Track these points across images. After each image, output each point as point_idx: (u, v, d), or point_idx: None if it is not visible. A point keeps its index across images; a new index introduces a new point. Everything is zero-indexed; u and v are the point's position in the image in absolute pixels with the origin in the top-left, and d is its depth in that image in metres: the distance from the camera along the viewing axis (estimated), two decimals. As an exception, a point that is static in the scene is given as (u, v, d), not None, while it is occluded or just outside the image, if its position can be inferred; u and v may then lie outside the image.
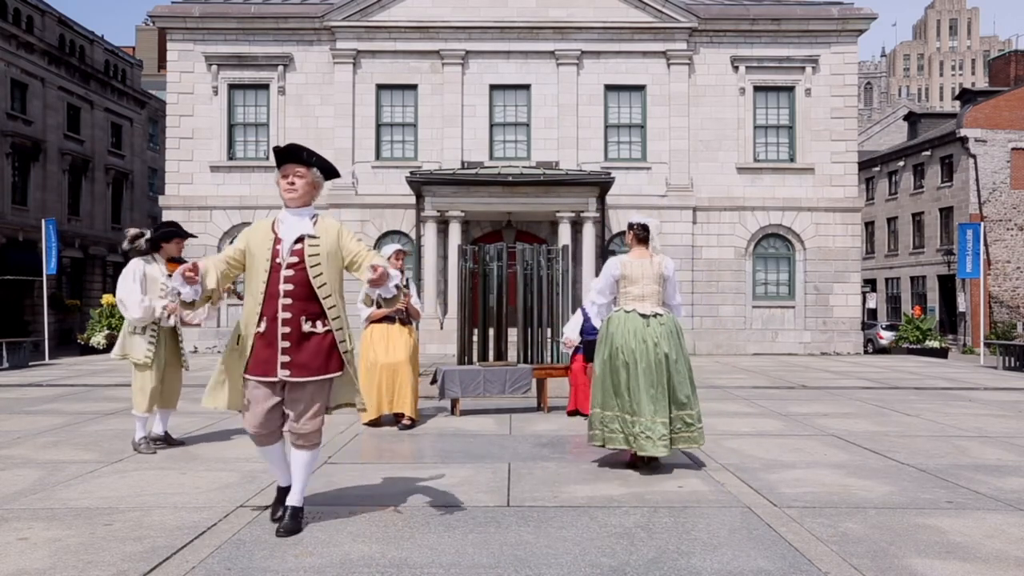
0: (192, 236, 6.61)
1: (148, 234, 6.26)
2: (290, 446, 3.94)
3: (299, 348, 3.77)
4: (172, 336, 6.32)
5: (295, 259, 3.80)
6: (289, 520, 3.88)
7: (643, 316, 5.45)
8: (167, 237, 6.25)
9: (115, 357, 6.20)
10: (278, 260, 3.80)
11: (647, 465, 5.50)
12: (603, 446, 5.53)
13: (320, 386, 3.86)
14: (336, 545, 3.73)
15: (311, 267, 3.80)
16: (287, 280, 3.78)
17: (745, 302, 22.36)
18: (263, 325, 3.79)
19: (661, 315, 5.47)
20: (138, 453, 6.03)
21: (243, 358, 3.85)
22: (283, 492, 4.09)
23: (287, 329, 3.76)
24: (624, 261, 5.60)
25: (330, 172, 4.01)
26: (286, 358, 3.75)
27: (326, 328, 3.83)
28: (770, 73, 22.58)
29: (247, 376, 3.84)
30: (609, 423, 5.46)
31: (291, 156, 3.87)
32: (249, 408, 3.85)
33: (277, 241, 3.83)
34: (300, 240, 3.82)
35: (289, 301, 3.77)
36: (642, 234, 5.66)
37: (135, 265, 6.14)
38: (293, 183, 3.86)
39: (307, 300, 3.80)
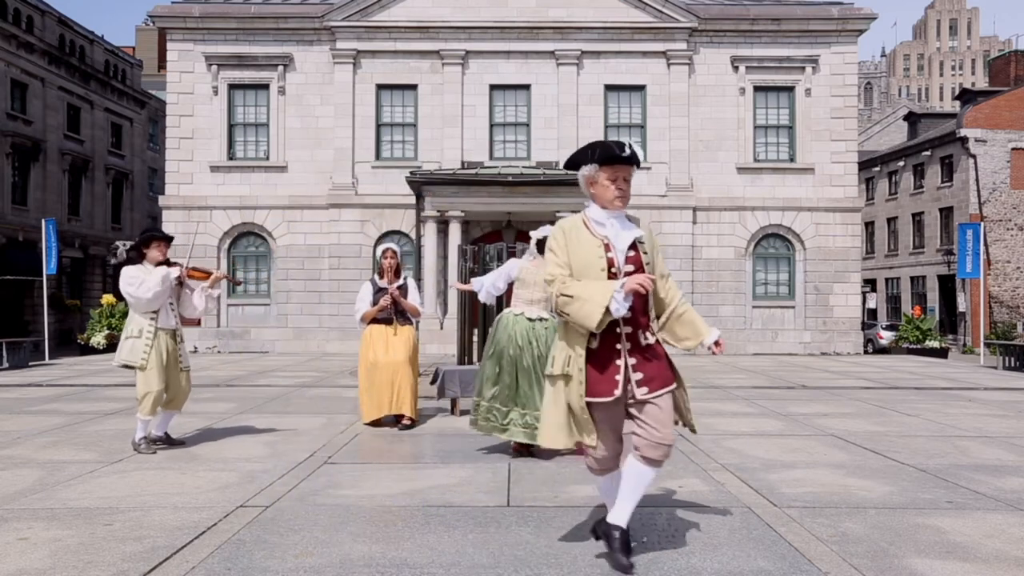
0: (168, 239, 6.40)
1: (128, 246, 6.24)
2: (632, 460, 3.44)
3: (646, 361, 3.40)
4: (173, 338, 6.28)
5: (631, 267, 3.37)
6: (624, 548, 3.40)
7: (529, 320, 5.99)
8: (146, 242, 6.21)
9: (116, 364, 6.14)
10: (614, 269, 3.36)
11: (531, 454, 5.93)
12: (487, 434, 6.04)
13: (671, 397, 3.46)
14: (336, 545, 3.73)
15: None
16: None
17: (745, 302, 22.38)
18: (595, 342, 3.39)
19: (546, 319, 6.00)
20: (138, 453, 6.03)
21: (578, 382, 3.39)
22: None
23: (629, 345, 3.39)
24: (523, 266, 6.15)
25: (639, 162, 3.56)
26: (639, 375, 3.37)
27: (655, 338, 3.47)
28: (770, 73, 22.59)
29: (591, 399, 3.39)
30: (488, 412, 5.95)
31: (634, 159, 3.44)
32: (597, 434, 3.44)
33: (608, 248, 3.39)
34: (633, 246, 3.43)
35: (629, 314, 3.33)
36: (543, 245, 6.15)
37: (131, 270, 6.11)
38: (624, 189, 3.45)
39: (641, 311, 3.42)
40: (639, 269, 3.39)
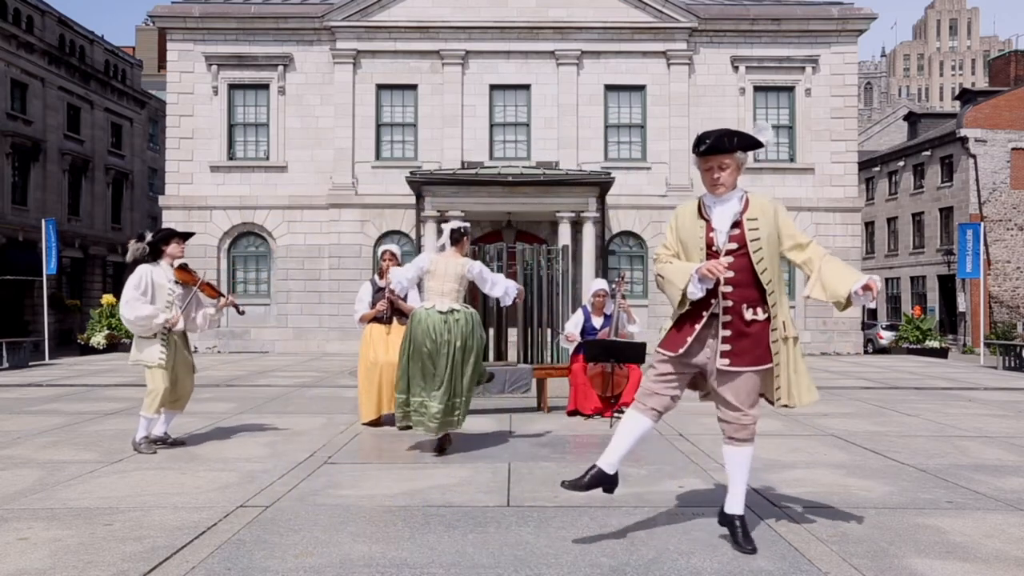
0: (190, 234, 6.61)
1: (148, 238, 6.28)
2: (726, 448, 3.71)
3: (740, 337, 3.58)
4: (183, 339, 6.34)
5: (734, 245, 3.59)
6: (746, 536, 3.63)
7: (441, 312, 5.94)
8: (165, 240, 6.27)
9: (131, 362, 6.21)
10: (714, 248, 3.61)
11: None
12: (410, 428, 6.07)
13: (758, 376, 3.62)
14: (336, 545, 3.73)
15: (754, 252, 3.57)
16: (727, 267, 3.55)
17: (745, 302, 22.38)
18: (686, 307, 3.65)
19: (458, 311, 5.98)
20: (138, 453, 6.03)
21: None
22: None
23: (728, 318, 3.58)
24: (433, 258, 6.16)
25: (753, 144, 3.70)
26: (726, 347, 3.57)
27: (766, 315, 3.60)
28: (770, 73, 22.59)
29: (661, 350, 3.72)
30: (420, 407, 5.92)
31: (714, 149, 3.61)
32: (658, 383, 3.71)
33: (709, 228, 3.64)
34: (737, 224, 3.61)
35: (730, 289, 3.57)
36: (456, 236, 6.17)
37: (142, 271, 6.13)
38: (718, 177, 3.65)
39: (749, 286, 3.58)
40: (743, 246, 3.59)
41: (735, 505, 3.71)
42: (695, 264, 3.56)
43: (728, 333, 3.58)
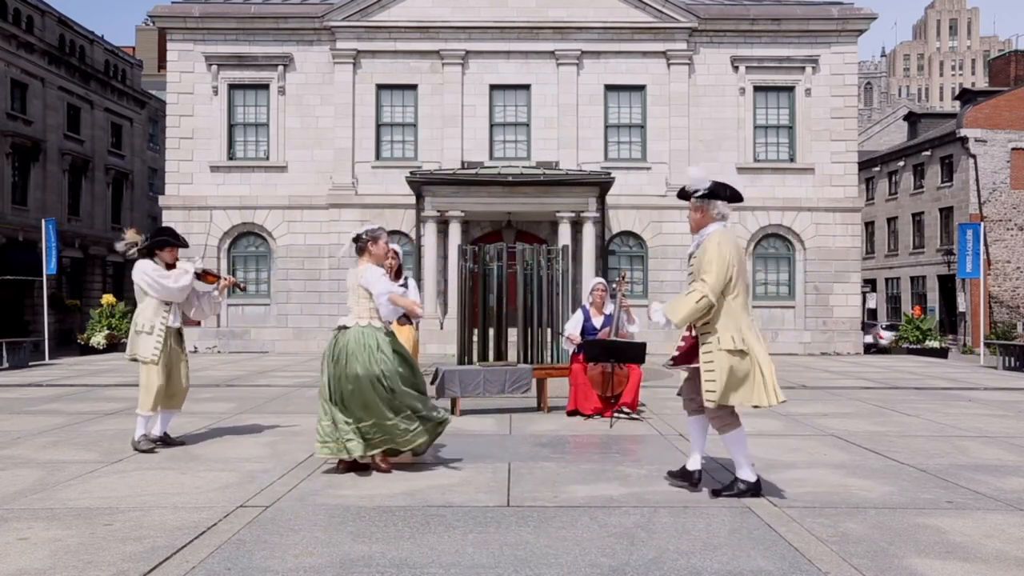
0: (184, 246, 6.53)
1: (141, 241, 6.35)
2: (691, 416, 4.89)
3: (688, 344, 4.77)
4: (177, 337, 6.34)
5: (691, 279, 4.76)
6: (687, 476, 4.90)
7: (347, 328, 5.30)
8: (160, 245, 6.30)
9: (127, 358, 6.29)
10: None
11: (364, 470, 5.33)
12: (335, 457, 5.30)
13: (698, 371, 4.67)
14: (336, 545, 3.73)
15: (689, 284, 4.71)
16: None
17: (745, 302, 22.34)
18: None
19: (364, 327, 5.26)
20: (138, 452, 6.04)
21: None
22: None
23: (687, 332, 4.80)
24: (350, 271, 5.47)
25: (684, 195, 4.86)
26: (675, 353, 4.87)
27: (694, 331, 4.73)
28: (770, 73, 22.58)
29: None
30: (339, 434, 5.24)
31: (680, 195, 4.94)
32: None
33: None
34: (691, 257, 4.82)
35: None
36: (360, 244, 5.44)
37: (147, 263, 6.24)
38: (688, 218, 4.92)
39: None
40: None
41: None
42: None
43: (682, 343, 4.79)
